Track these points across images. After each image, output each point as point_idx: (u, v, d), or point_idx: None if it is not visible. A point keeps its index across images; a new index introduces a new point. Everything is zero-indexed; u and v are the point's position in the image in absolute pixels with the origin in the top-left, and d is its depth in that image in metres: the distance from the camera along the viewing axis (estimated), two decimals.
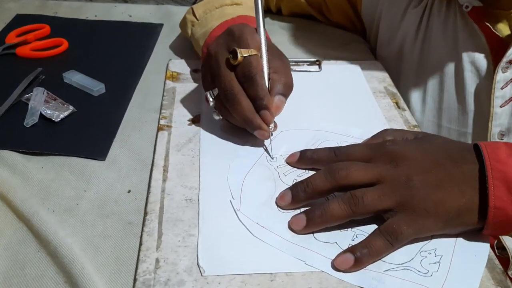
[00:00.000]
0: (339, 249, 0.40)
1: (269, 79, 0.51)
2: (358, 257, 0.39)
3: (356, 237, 0.42)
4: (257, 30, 0.53)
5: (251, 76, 0.49)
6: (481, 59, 0.60)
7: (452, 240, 0.42)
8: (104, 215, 0.45)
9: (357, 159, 0.44)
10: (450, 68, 0.63)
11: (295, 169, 0.49)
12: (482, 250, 0.41)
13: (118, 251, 0.41)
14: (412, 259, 0.40)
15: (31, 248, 0.41)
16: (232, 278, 0.38)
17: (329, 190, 0.43)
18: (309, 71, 0.67)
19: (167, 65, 0.67)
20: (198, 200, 0.45)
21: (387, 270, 0.39)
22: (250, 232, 0.42)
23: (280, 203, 0.44)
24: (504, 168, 0.40)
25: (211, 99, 0.51)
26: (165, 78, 0.64)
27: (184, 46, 0.73)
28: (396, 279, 0.38)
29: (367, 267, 0.39)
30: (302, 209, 0.44)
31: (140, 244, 0.41)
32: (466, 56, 0.61)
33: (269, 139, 0.50)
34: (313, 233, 0.42)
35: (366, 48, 0.76)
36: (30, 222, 0.43)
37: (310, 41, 0.76)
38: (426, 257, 0.40)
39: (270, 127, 0.50)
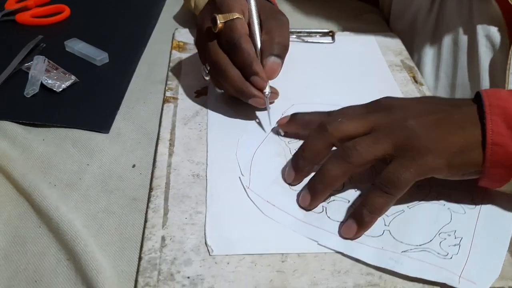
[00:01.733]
0: None
1: (260, 41, 0.48)
2: (360, 220, 0.37)
3: None
4: None
5: (234, 42, 0.46)
6: (496, 33, 0.57)
7: (472, 221, 0.40)
8: (108, 191, 0.43)
9: (353, 115, 0.42)
10: (464, 42, 0.60)
11: None
12: (504, 234, 0.39)
13: (123, 228, 0.40)
14: (431, 240, 0.38)
15: (32, 223, 0.40)
16: (242, 258, 0.36)
17: (327, 146, 0.40)
18: (322, 42, 0.64)
19: (173, 34, 0.64)
20: (206, 176, 0.43)
21: (405, 251, 0.37)
22: (261, 211, 0.40)
23: (288, 180, 0.42)
24: (504, 104, 0.37)
25: (205, 73, 0.49)
26: (171, 48, 0.61)
27: (190, 15, 0.70)
28: (414, 260, 0.36)
29: (384, 247, 0.37)
30: None
31: (145, 221, 0.39)
32: (481, 30, 0.58)
33: (267, 106, 0.47)
34: (326, 212, 0.40)
35: (381, 20, 0.72)
36: (30, 196, 0.41)
37: (322, 11, 0.73)
38: (445, 238, 0.38)
39: (266, 93, 0.46)
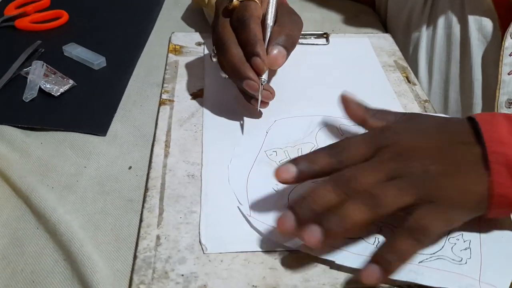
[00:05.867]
0: (366, 244, 0.38)
1: (270, 31, 0.48)
2: (386, 267, 0.34)
3: (381, 229, 0.39)
4: None
5: (243, 20, 0.46)
6: (488, 25, 0.58)
7: (474, 221, 0.39)
8: (105, 192, 0.44)
9: (361, 156, 0.38)
10: (456, 36, 0.61)
11: None
12: (507, 231, 0.39)
13: (118, 229, 0.40)
14: (442, 247, 0.38)
15: (30, 225, 0.40)
16: (235, 256, 0.37)
17: (340, 203, 0.35)
18: (316, 44, 0.64)
19: (170, 38, 0.65)
20: (201, 176, 0.44)
21: (421, 262, 0.36)
22: (269, 239, 0.38)
23: (282, 229, 0.35)
24: (506, 151, 0.35)
25: (213, 54, 0.49)
26: (168, 52, 0.62)
27: (187, 19, 0.71)
28: (433, 270, 0.36)
29: None
30: None
31: (141, 221, 0.40)
32: (473, 23, 0.59)
33: (259, 95, 0.46)
34: None
35: (376, 21, 0.73)
36: (28, 199, 0.42)
37: (317, 13, 0.74)
38: (455, 243, 0.38)
39: (263, 79, 0.45)
